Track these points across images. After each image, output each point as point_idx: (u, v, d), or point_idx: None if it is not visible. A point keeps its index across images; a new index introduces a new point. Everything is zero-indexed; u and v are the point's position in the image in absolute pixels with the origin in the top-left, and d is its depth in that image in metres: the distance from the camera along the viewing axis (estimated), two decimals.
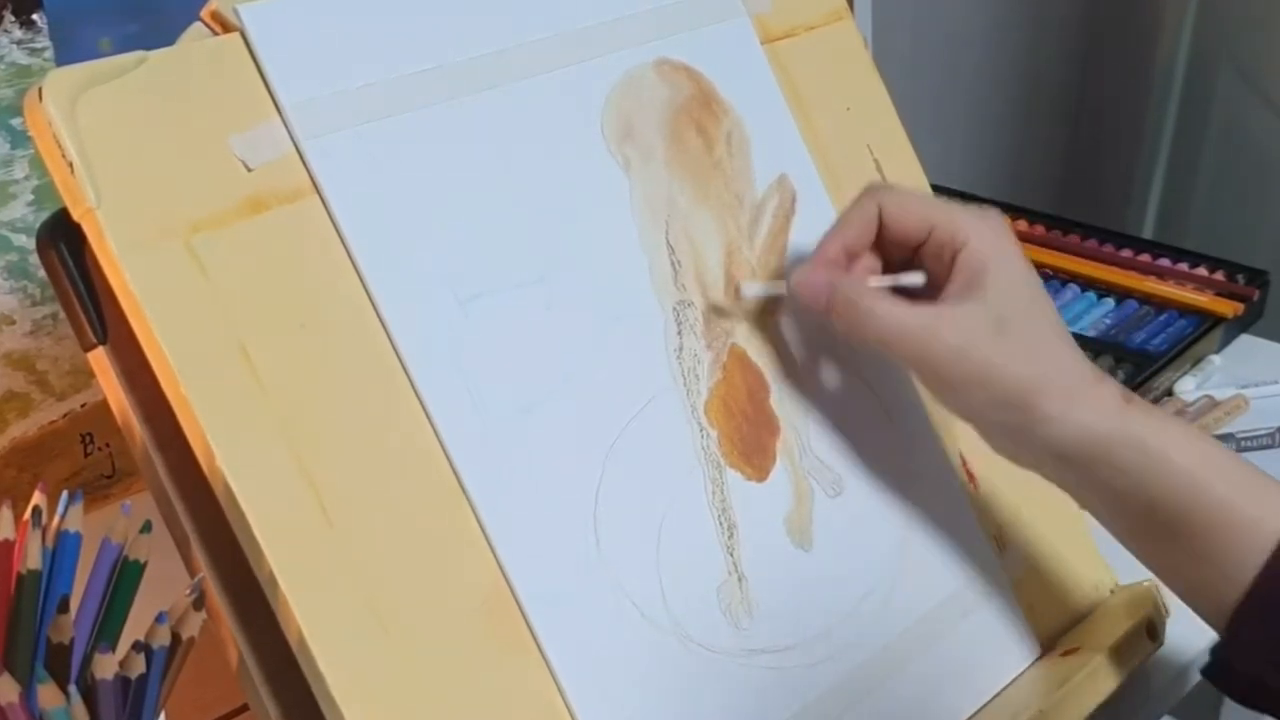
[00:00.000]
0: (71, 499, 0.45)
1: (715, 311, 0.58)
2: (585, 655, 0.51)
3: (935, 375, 0.55)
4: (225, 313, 0.47)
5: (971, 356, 0.54)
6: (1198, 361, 0.97)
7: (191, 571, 0.49)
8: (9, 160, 0.65)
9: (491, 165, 0.54)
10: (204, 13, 0.50)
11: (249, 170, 0.48)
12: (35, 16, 0.64)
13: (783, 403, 0.59)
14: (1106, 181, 1.56)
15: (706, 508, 0.56)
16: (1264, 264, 1.05)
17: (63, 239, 0.47)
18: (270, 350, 0.47)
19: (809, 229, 0.61)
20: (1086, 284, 1.04)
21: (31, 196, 0.66)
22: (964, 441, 0.64)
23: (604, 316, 0.55)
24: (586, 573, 0.52)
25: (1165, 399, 0.93)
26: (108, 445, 0.70)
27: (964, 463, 0.65)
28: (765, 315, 0.60)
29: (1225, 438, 0.87)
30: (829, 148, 0.64)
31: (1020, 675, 0.63)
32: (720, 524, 0.56)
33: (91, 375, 0.49)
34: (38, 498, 0.44)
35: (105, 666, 0.42)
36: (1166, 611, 0.66)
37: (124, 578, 0.45)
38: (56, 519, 0.45)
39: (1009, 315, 0.54)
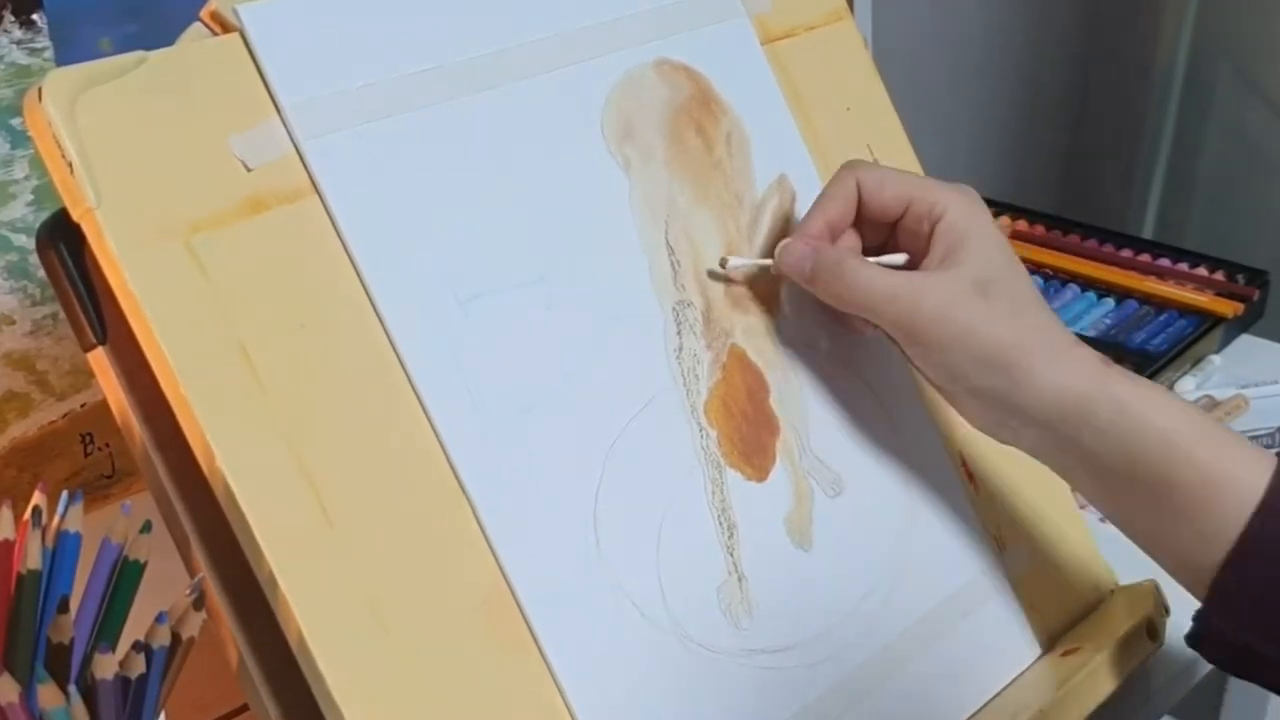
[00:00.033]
0: (71, 499, 0.45)
1: (715, 311, 0.58)
2: (585, 655, 0.51)
3: (918, 339, 0.55)
4: (225, 313, 0.47)
5: (955, 318, 0.54)
6: (1198, 361, 0.97)
7: (191, 571, 0.49)
8: (9, 160, 0.65)
9: (491, 165, 0.54)
10: (204, 13, 0.50)
11: (249, 170, 0.49)
12: (35, 16, 0.64)
13: (782, 403, 0.59)
14: (1106, 181, 1.56)
15: (706, 508, 0.56)
16: (1264, 264, 1.06)
17: (62, 239, 0.47)
18: (270, 350, 0.47)
19: None
20: (1086, 284, 1.04)
21: (31, 196, 0.66)
22: (964, 442, 0.64)
23: (604, 316, 0.55)
24: (586, 573, 0.52)
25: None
26: (108, 445, 0.70)
27: (964, 463, 0.65)
28: (765, 315, 0.60)
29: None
30: (829, 148, 0.64)
31: (1020, 675, 0.63)
32: (720, 524, 0.56)
33: (91, 375, 0.49)
34: (38, 498, 0.44)
35: (105, 666, 0.42)
36: (1167, 611, 0.66)
37: (124, 578, 0.45)
38: (56, 519, 0.45)
39: (990, 280, 0.55)
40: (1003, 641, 0.64)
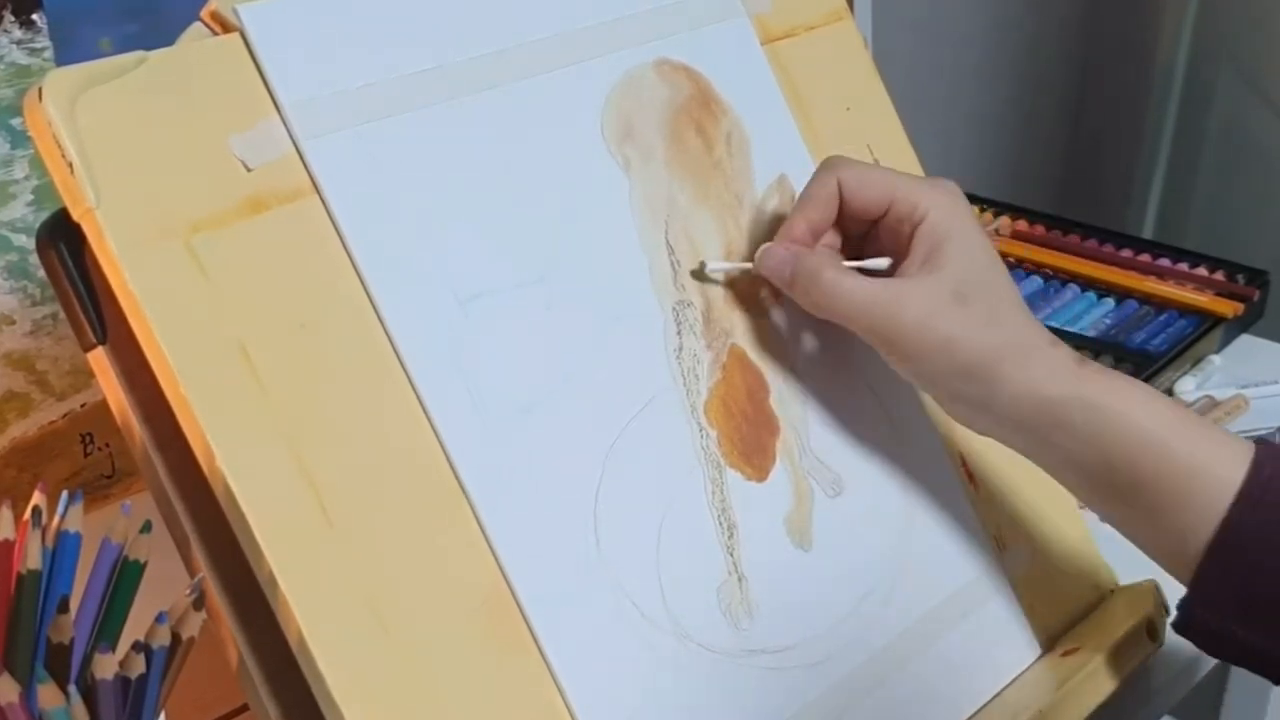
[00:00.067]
0: (71, 499, 0.45)
1: (715, 311, 0.58)
2: (585, 655, 0.51)
3: (898, 347, 0.55)
4: (225, 313, 0.47)
5: (934, 328, 0.54)
6: (1198, 361, 0.97)
7: (191, 571, 0.49)
8: (9, 160, 0.65)
9: (491, 165, 0.54)
10: (204, 13, 0.50)
11: (249, 170, 0.48)
12: (35, 16, 0.64)
13: (782, 403, 0.59)
14: (1106, 181, 1.56)
15: (706, 508, 0.56)
16: (1264, 264, 1.06)
17: (62, 239, 0.47)
18: (270, 350, 0.47)
19: None
20: (1086, 284, 1.04)
21: (31, 196, 0.66)
22: (964, 442, 0.64)
23: (604, 316, 0.55)
24: (586, 573, 0.52)
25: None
26: (108, 445, 0.70)
27: (964, 463, 0.65)
28: (765, 315, 0.60)
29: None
30: (829, 148, 0.64)
31: (1020, 675, 0.63)
32: (720, 524, 0.56)
33: (91, 375, 0.49)
34: (38, 498, 0.44)
35: (105, 666, 0.42)
36: (1167, 611, 0.66)
37: (124, 578, 0.45)
38: (56, 519, 0.45)
39: (969, 286, 0.55)
40: (1003, 641, 0.64)
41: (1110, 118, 1.54)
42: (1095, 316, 1.00)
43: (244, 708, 0.58)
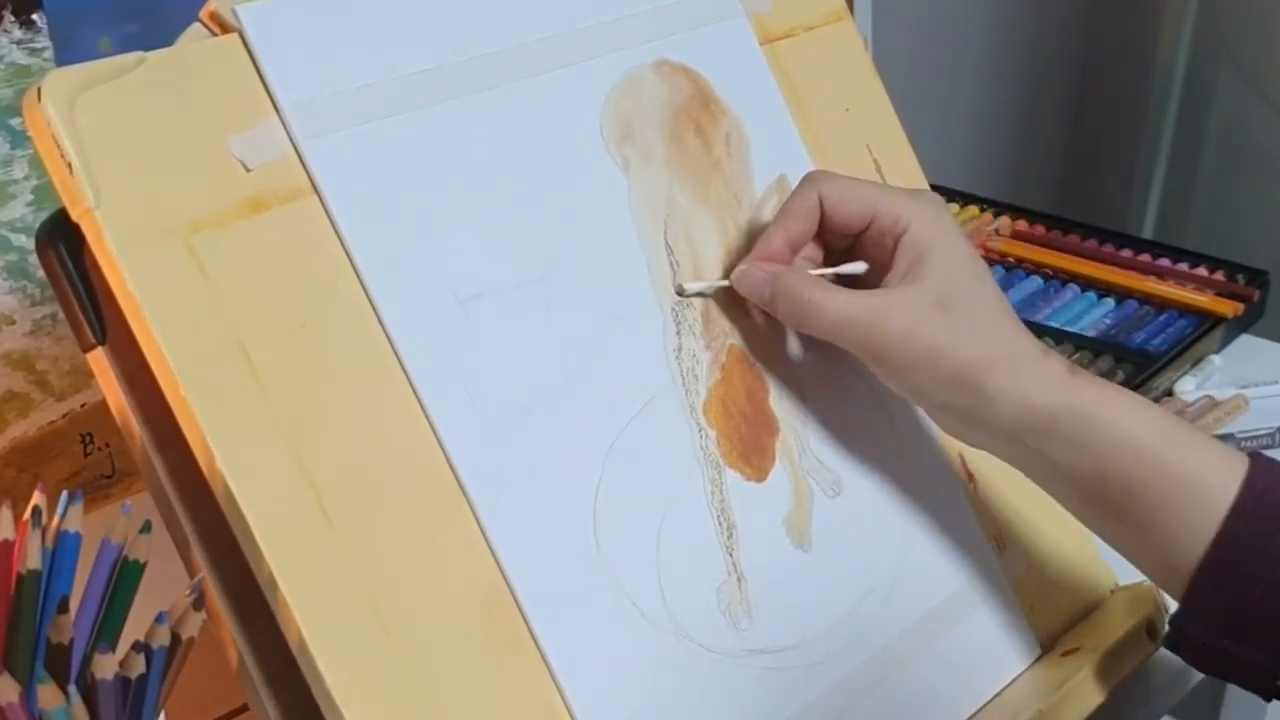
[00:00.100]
0: (71, 499, 0.45)
1: (714, 311, 0.58)
2: (585, 655, 0.51)
3: (883, 360, 0.55)
4: (225, 313, 0.47)
5: (919, 338, 0.54)
6: (1198, 361, 0.97)
7: (191, 572, 0.49)
8: (9, 160, 0.65)
9: (491, 165, 0.54)
10: (203, 13, 0.50)
11: (248, 170, 0.48)
12: (35, 16, 0.64)
13: (782, 403, 0.59)
14: (1106, 181, 1.56)
15: (706, 508, 0.56)
16: (1264, 264, 1.06)
17: (62, 239, 0.47)
18: (270, 350, 0.47)
19: None
20: (1086, 284, 1.04)
21: (31, 196, 0.66)
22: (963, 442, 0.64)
23: (603, 317, 0.55)
24: (586, 573, 0.52)
25: (1165, 399, 0.93)
26: (108, 445, 0.70)
27: (964, 463, 0.65)
28: (765, 316, 0.60)
29: (1225, 438, 0.87)
30: (829, 148, 0.64)
31: (1020, 675, 0.63)
32: (720, 524, 0.56)
33: (91, 375, 0.49)
34: (38, 498, 0.44)
35: (105, 666, 0.42)
36: (1167, 611, 0.66)
37: (124, 578, 0.45)
38: (56, 519, 0.45)
39: (953, 295, 0.55)
40: (1002, 642, 0.63)
41: (1110, 118, 1.54)
42: (1095, 316, 1.00)
43: (244, 708, 0.58)
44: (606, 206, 0.57)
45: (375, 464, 0.48)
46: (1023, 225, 1.11)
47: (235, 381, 0.46)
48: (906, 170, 0.68)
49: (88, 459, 0.70)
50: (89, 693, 0.43)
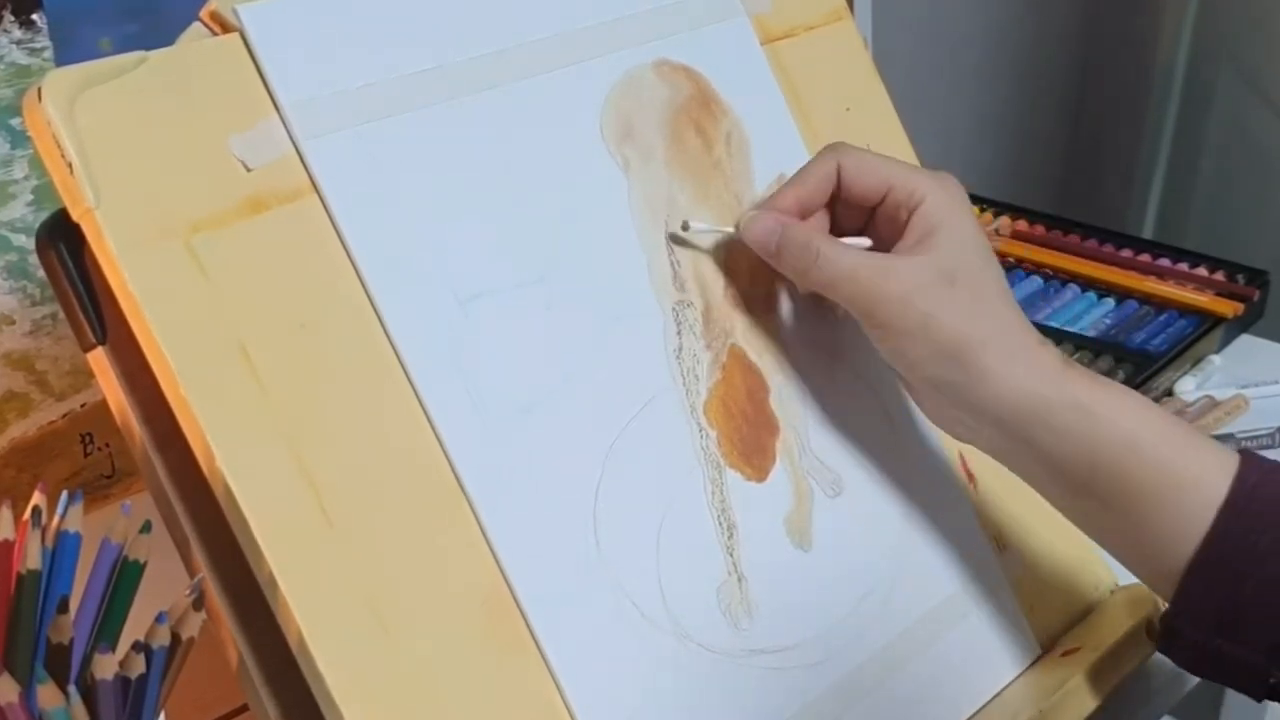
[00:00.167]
0: (71, 499, 0.45)
1: (714, 311, 0.58)
2: (585, 655, 0.51)
3: (879, 321, 0.55)
4: (225, 313, 0.47)
5: (916, 304, 0.54)
6: (1198, 361, 0.97)
7: (191, 572, 0.49)
8: (9, 160, 0.65)
9: (491, 165, 0.54)
10: (203, 13, 0.50)
11: (248, 170, 0.48)
12: (35, 16, 0.64)
13: (782, 403, 0.59)
14: (1106, 181, 1.56)
15: (706, 508, 0.56)
16: (1264, 264, 1.06)
17: (62, 239, 0.47)
18: (270, 350, 0.47)
19: None
20: (1086, 284, 1.04)
21: (31, 196, 0.66)
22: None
23: (604, 317, 0.55)
24: (586, 573, 0.52)
25: (1165, 399, 0.93)
26: (108, 445, 0.70)
27: (963, 463, 0.65)
28: (764, 315, 0.60)
29: (1225, 438, 0.87)
30: None
31: (1019, 676, 0.63)
32: (720, 524, 0.56)
33: (91, 375, 0.49)
34: (38, 498, 0.44)
35: (105, 666, 0.42)
36: None
37: (124, 578, 0.45)
38: (56, 519, 0.45)
39: (958, 271, 0.55)
40: (1002, 642, 0.63)
41: (1110, 118, 1.54)
42: (1095, 316, 1.00)
43: (244, 708, 0.58)
44: (607, 206, 0.57)
45: (375, 464, 0.48)
46: (1023, 225, 1.11)
47: (235, 381, 0.46)
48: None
49: (88, 459, 0.70)
50: (89, 693, 0.43)
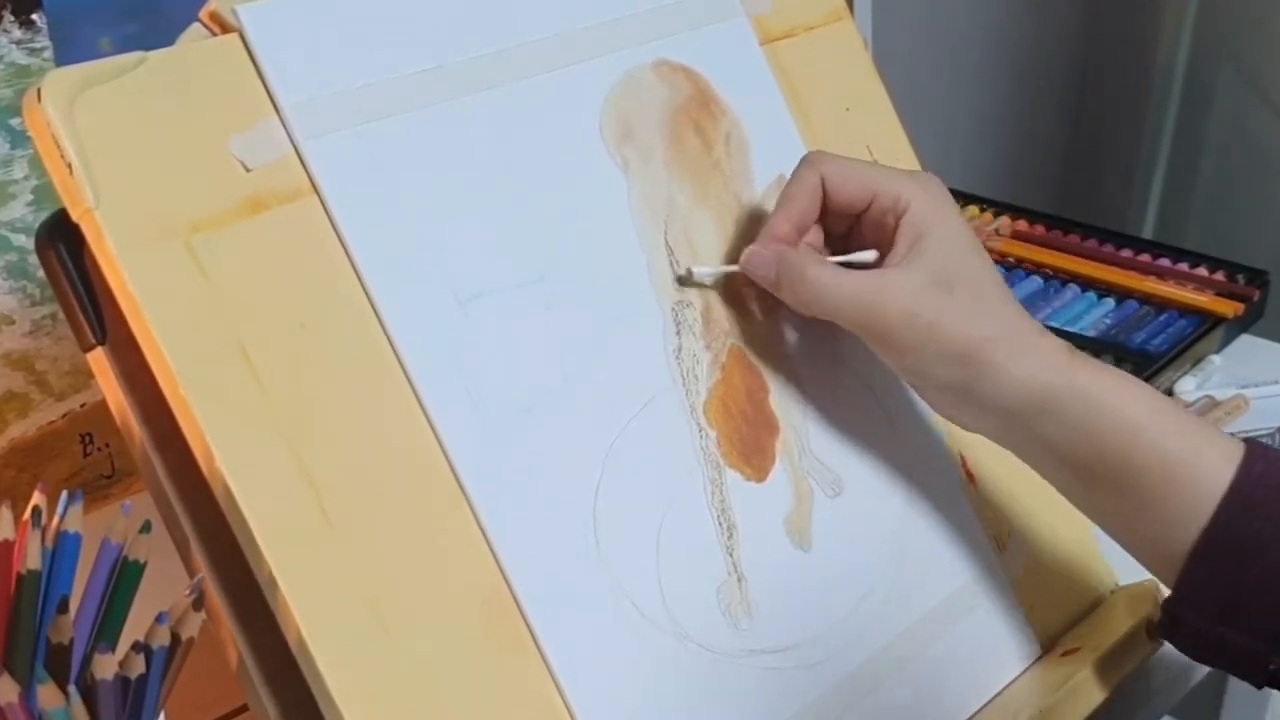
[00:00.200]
0: (71, 499, 0.45)
1: (714, 311, 0.58)
2: (585, 655, 0.51)
3: (885, 339, 0.55)
4: (225, 313, 0.47)
5: (921, 317, 0.54)
6: (1198, 361, 0.97)
7: (191, 572, 0.49)
8: (8, 160, 0.65)
9: (491, 165, 0.54)
10: (202, 13, 0.50)
11: (248, 170, 0.48)
12: (35, 16, 0.64)
13: (782, 403, 0.59)
14: (1106, 181, 1.56)
15: (706, 508, 0.56)
16: (1264, 264, 1.06)
17: (61, 239, 0.47)
18: (270, 350, 0.47)
19: None
20: (1086, 284, 1.04)
21: (31, 196, 0.66)
22: (964, 441, 0.64)
23: (603, 317, 0.55)
24: (586, 573, 0.52)
25: None
26: (107, 445, 0.70)
27: (963, 462, 0.65)
28: (764, 316, 0.60)
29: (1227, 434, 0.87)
30: (828, 148, 0.64)
31: (1020, 675, 0.63)
32: (720, 524, 0.56)
33: (91, 375, 0.49)
34: (37, 498, 0.44)
35: (105, 666, 0.42)
36: None
37: (123, 578, 0.45)
38: (56, 519, 0.45)
39: (953, 274, 0.55)
40: (1002, 642, 0.64)
41: (1110, 118, 1.54)
42: (1095, 316, 1.00)
43: (244, 708, 0.58)
44: (606, 207, 0.57)
45: (375, 464, 0.48)
46: (1023, 225, 1.11)
47: (235, 381, 0.46)
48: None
49: (88, 459, 0.70)
50: (89, 693, 0.43)
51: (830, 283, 0.55)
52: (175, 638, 0.45)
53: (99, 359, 0.48)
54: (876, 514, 0.61)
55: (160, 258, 0.46)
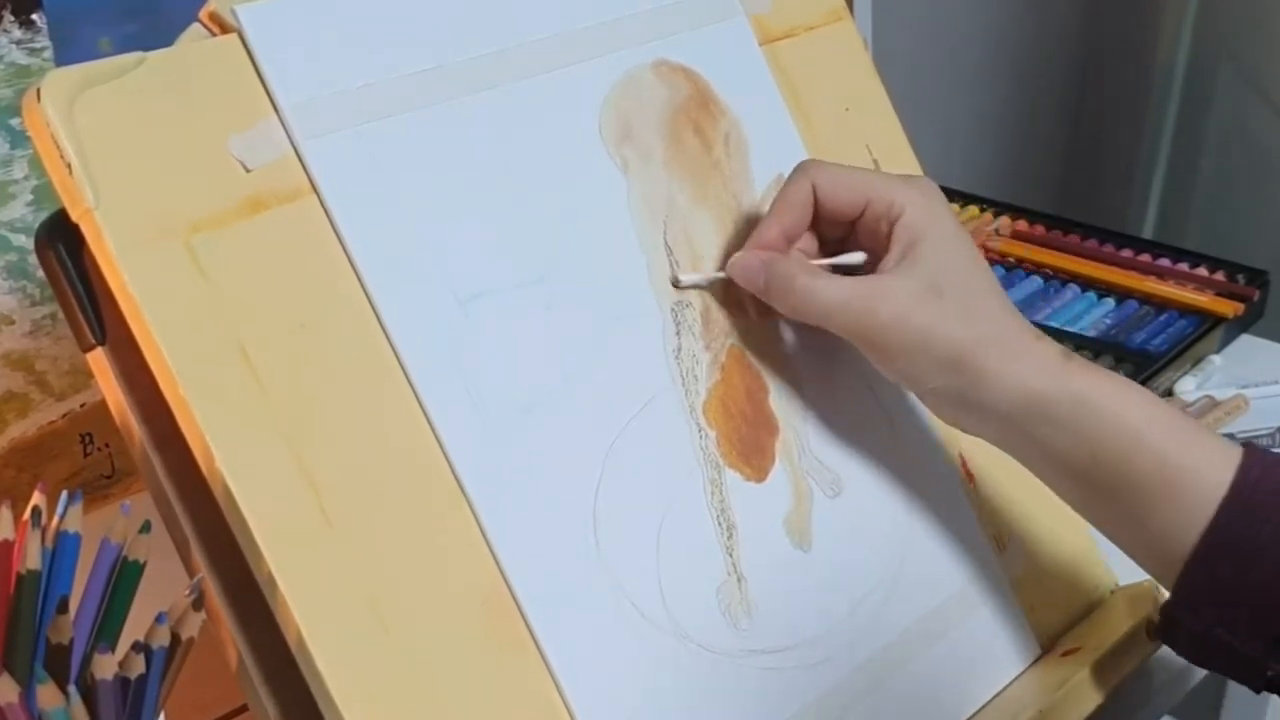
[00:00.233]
0: (71, 499, 0.45)
1: (714, 312, 0.58)
2: (585, 655, 0.51)
3: (877, 345, 0.55)
4: (224, 313, 0.47)
5: (912, 322, 0.54)
6: (1198, 361, 0.97)
7: (191, 572, 0.49)
8: (8, 160, 0.65)
9: (491, 165, 0.54)
10: (202, 14, 0.50)
11: (248, 171, 0.48)
12: (35, 16, 0.64)
13: (781, 403, 0.59)
14: (1106, 181, 1.56)
15: (706, 508, 0.56)
16: (1264, 264, 1.06)
17: (61, 239, 0.47)
18: (270, 350, 0.47)
19: None
20: (1086, 284, 1.04)
21: (31, 196, 0.66)
22: (964, 441, 0.64)
23: (603, 317, 0.55)
24: (586, 573, 0.52)
25: (1165, 399, 0.93)
26: (107, 445, 0.70)
27: (963, 462, 0.65)
28: (763, 316, 0.60)
29: (1225, 438, 0.87)
30: (828, 148, 0.64)
31: (1020, 675, 0.63)
32: (719, 524, 0.56)
33: (91, 375, 0.49)
34: (37, 498, 0.44)
35: (105, 667, 0.42)
36: None
37: (123, 578, 0.45)
38: (56, 519, 0.45)
39: (946, 279, 0.55)
40: (1002, 642, 0.64)
41: (1110, 118, 1.54)
42: (1095, 316, 1.00)
43: (244, 708, 0.58)
44: (606, 207, 0.57)
45: (375, 464, 0.48)
46: (1023, 225, 1.11)
47: (235, 381, 0.46)
48: (906, 171, 0.68)
49: (87, 459, 0.70)
50: (89, 693, 0.43)
51: (820, 289, 0.55)
52: (175, 638, 0.45)
53: (99, 359, 0.48)
54: (876, 514, 0.61)
55: (160, 258, 0.46)
